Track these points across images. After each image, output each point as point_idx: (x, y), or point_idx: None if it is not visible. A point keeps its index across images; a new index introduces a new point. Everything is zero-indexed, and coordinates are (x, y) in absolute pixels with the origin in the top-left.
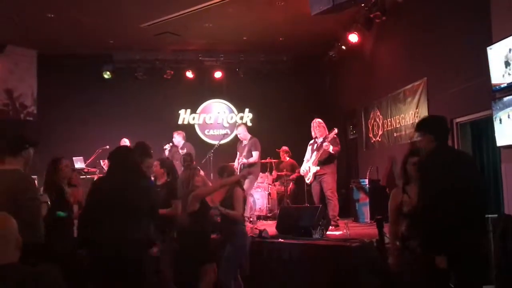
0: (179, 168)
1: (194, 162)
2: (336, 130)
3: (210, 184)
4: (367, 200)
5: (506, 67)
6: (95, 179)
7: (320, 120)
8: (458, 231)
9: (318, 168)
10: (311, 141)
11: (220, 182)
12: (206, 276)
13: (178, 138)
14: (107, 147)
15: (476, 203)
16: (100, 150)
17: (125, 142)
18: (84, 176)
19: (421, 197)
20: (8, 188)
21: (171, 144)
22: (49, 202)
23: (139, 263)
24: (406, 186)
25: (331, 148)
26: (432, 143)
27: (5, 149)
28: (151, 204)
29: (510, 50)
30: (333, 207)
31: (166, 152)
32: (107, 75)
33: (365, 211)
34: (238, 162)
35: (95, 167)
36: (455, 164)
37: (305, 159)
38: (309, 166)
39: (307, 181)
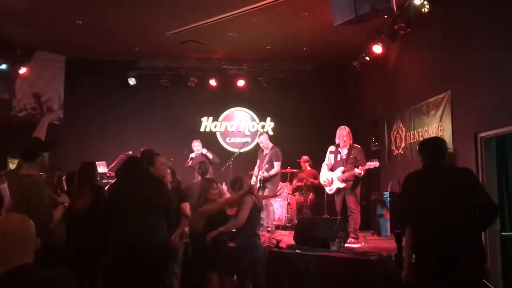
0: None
1: (210, 169)
2: (377, 164)
3: (227, 195)
4: (388, 214)
5: None
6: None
7: (349, 128)
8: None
9: (344, 184)
10: (332, 148)
11: (222, 202)
12: (211, 284)
13: (199, 146)
14: (130, 152)
15: (448, 223)
16: (123, 155)
17: None
18: (107, 181)
19: None
20: (22, 193)
21: (196, 154)
22: (66, 204)
23: (160, 258)
24: None
25: (362, 172)
26: (422, 162)
27: (21, 154)
28: (167, 202)
29: None
30: (355, 219)
31: (190, 162)
32: (132, 81)
33: (386, 224)
34: (258, 172)
35: None
36: (425, 185)
37: (324, 164)
38: (332, 178)
39: (329, 192)
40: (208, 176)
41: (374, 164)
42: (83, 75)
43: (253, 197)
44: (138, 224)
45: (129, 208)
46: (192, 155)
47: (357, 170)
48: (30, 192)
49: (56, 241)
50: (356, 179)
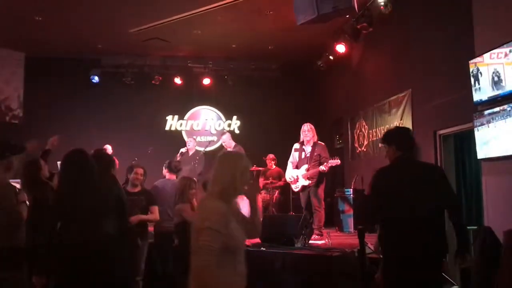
0: (189, 174)
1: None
2: (338, 162)
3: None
4: (351, 210)
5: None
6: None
7: (311, 124)
8: (393, 245)
9: (309, 182)
10: (297, 145)
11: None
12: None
13: (193, 143)
14: (92, 152)
15: (424, 218)
16: None
17: (108, 149)
18: None
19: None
20: None
21: (186, 148)
22: (27, 202)
23: (105, 265)
24: None
25: (325, 169)
26: (395, 154)
27: None
28: (113, 205)
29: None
30: (320, 217)
31: (178, 157)
32: (94, 79)
33: (349, 220)
34: None
35: None
36: (406, 177)
37: (289, 161)
38: (297, 175)
39: (295, 190)
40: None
41: (336, 162)
42: (44, 73)
43: None
44: (75, 225)
45: (70, 209)
46: (183, 149)
47: (321, 167)
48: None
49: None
50: (320, 176)
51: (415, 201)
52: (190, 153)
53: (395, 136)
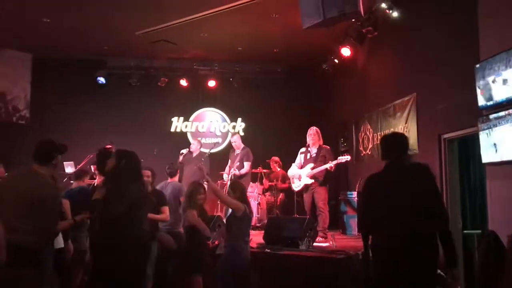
0: (192, 174)
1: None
2: (349, 158)
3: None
4: (355, 213)
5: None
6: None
7: (317, 128)
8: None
9: (313, 181)
10: (303, 149)
11: (227, 199)
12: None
13: (197, 145)
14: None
15: (407, 224)
16: (91, 156)
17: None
18: (73, 181)
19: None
20: (31, 191)
21: (187, 149)
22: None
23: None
24: None
25: (332, 169)
26: (384, 159)
27: (35, 156)
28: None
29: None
30: (324, 218)
31: (180, 158)
32: (100, 81)
33: (352, 223)
34: (229, 172)
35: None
36: (387, 184)
37: (294, 164)
38: (300, 175)
39: (295, 188)
40: (176, 176)
41: (346, 158)
42: (51, 74)
43: (245, 205)
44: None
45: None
46: (184, 150)
47: (328, 164)
48: (43, 193)
49: (36, 245)
50: (325, 177)
51: (400, 210)
52: (194, 154)
53: (382, 144)
